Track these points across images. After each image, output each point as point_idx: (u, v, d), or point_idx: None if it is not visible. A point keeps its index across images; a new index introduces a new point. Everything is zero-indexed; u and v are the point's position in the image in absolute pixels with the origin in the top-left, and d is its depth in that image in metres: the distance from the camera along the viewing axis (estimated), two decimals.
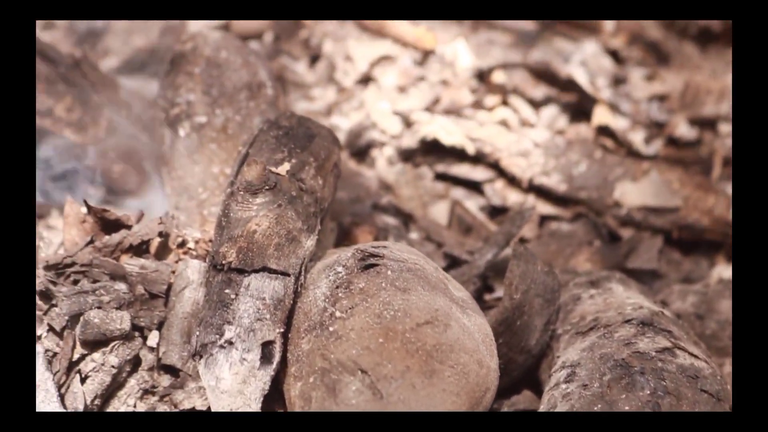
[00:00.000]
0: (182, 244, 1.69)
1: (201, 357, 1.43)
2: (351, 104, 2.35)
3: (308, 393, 1.42)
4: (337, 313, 1.46)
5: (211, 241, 1.68)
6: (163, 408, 1.56)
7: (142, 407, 1.57)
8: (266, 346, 1.45)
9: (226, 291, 1.48)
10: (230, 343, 1.43)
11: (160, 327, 1.61)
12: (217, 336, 1.43)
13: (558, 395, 1.48)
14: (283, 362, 1.48)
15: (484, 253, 1.95)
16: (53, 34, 2.33)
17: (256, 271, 1.50)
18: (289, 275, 1.53)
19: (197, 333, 1.46)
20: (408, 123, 2.29)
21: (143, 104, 2.11)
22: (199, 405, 1.53)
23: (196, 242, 1.69)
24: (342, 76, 2.40)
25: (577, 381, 1.48)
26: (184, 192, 1.86)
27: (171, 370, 1.59)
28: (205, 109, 1.91)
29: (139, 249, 1.66)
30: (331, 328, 1.45)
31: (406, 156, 2.27)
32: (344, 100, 2.37)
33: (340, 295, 1.48)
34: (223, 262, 1.51)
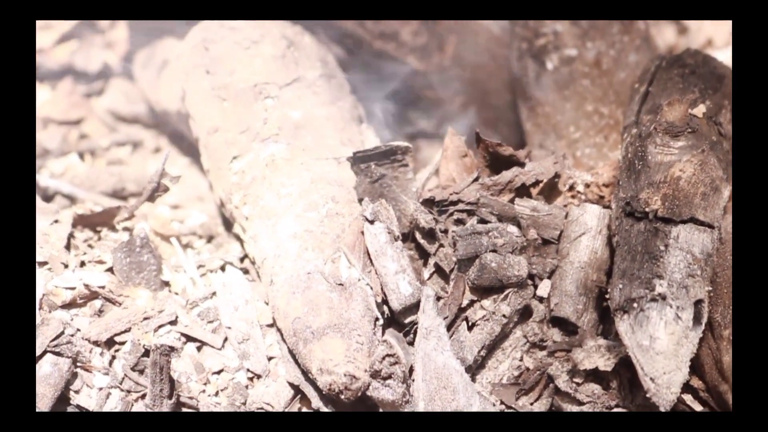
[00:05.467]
0: (572, 187, 1.64)
1: (626, 313, 1.39)
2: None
3: None
4: None
5: (605, 185, 1.63)
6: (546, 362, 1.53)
7: (528, 362, 1.54)
8: (697, 304, 1.39)
9: (654, 241, 1.42)
10: (663, 298, 1.37)
11: (551, 275, 1.57)
12: (647, 291, 1.38)
13: None
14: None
15: None
16: None
17: (684, 222, 1.44)
18: (714, 228, 1.47)
19: (620, 286, 1.41)
20: None
21: (489, 33, 2.07)
22: (602, 365, 1.48)
23: (587, 186, 1.64)
24: None
25: None
26: (551, 130, 1.82)
27: (562, 324, 1.55)
28: (575, 42, 1.85)
29: (525, 189, 1.62)
30: None
31: None
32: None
33: None
34: (646, 209, 1.45)
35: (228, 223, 1.84)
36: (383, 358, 1.43)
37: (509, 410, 1.50)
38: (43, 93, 2.24)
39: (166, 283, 1.70)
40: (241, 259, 1.75)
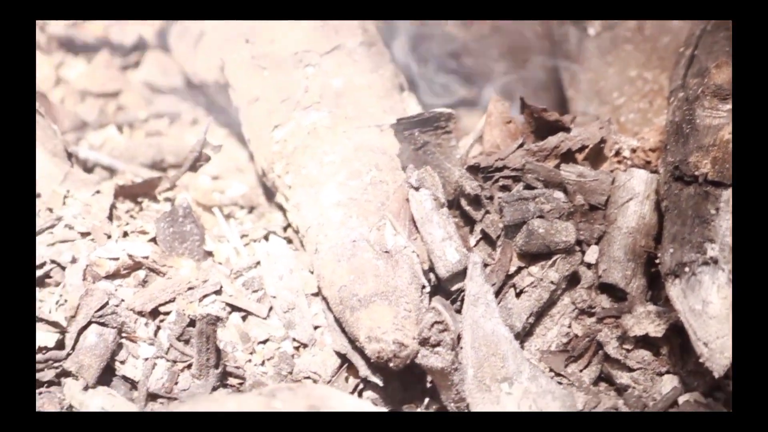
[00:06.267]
0: (618, 153, 1.63)
1: (677, 277, 1.37)
2: None
3: None
4: None
5: (652, 150, 1.62)
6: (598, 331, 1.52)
7: (577, 329, 1.54)
8: None
9: (705, 205, 1.41)
10: (715, 262, 1.36)
11: (598, 241, 1.56)
12: (699, 254, 1.37)
13: None
14: None
15: None
16: None
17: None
18: None
19: (671, 250, 1.40)
20: None
21: None
22: (652, 331, 1.48)
23: (633, 151, 1.63)
24: None
25: None
26: (594, 96, 1.80)
27: (610, 290, 1.54)
28: None
29: (571, 155, 1.61)
30: None
31: None
32: None
33: None
34: (696, 173, 1.44)
35: (269, 193, 1.84)
36: (432, 326, 1.43)
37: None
38: (78, 65, 2.24)
39: (210, 253, 1.69)
40: (284, 228, 1.75)
